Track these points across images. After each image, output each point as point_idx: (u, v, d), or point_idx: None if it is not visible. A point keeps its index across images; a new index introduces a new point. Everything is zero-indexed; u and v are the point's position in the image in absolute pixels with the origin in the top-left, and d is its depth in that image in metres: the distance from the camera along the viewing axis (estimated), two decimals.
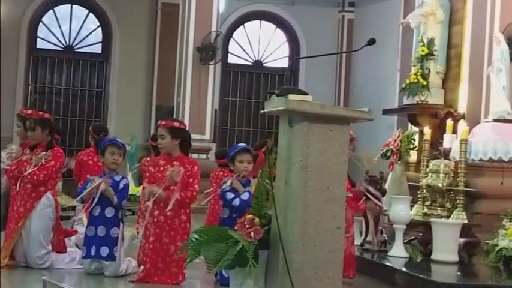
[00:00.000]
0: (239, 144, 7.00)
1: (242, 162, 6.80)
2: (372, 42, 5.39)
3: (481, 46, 10.32)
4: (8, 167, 7.36)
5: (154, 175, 6.90)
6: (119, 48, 17.05)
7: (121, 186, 7.10)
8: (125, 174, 10.23)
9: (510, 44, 9.71)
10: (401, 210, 8.66)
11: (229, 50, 17.97)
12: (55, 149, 7.33)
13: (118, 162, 7.24)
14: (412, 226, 8.94)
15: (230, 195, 6.71)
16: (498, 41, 9.42)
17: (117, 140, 7.35)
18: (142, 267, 6.83)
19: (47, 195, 7.26)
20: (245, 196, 6.65)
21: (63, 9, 17.30)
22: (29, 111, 7.55)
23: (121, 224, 7.06)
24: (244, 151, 6.84)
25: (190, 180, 6.89)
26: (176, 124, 7.05)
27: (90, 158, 9.26)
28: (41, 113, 7.45)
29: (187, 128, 7.30)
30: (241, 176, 6.80)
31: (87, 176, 7.40)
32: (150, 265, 6.73)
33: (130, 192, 13.20)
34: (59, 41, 17.28)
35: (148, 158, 8.52)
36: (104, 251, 6.93)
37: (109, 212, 7.02)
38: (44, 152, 7.26)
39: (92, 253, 6.96)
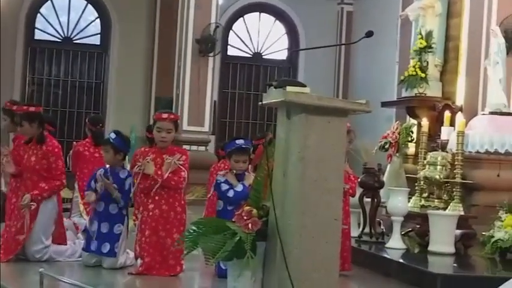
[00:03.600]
0: (237, 141, 6.92)
1: (238, 162, 6.80)
2: (369, 34, 5.42)
3: (479, 39, 10.36)
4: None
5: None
6: (118, 40, 17.02)
7: (127, 186, 7.08)
8: (125, 166, 10.23)
9: (507, 37, 9.75)
10: (399, 202, 8.71)
11: (229, 42, 17.95)
12: (49, 142, 7.22)
13: (106, 159, 7.26)
14: (409, 218, 8.99)
15: (224, 187, 6.74)
16: (495, 34, 9.45)
17: (109, 135, 7.30)
18: (139, 260, 6.84)
19: None
20: (239, 188, 6.68)
21: (61, 0, 17.25)
22: (15, 107, 7.48)
23: (126, 219, 7.06)
24: (241, 151, 6.82)
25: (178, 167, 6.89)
26: (178, 118, 7.08)
27: (86, 148, 9.29)
28: (25, 107, 7.35)
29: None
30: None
31: (98, 173, 7.33)
32: (150, 259, 6.75)
33: None
34: (57, 32, 17.23)
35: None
36: (106, 247, 6.95)
37: (113, 209, 7.03)
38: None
39: (92, 248, 6.98)
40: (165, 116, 6.96)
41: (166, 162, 6.79)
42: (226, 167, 9.16)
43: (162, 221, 6.81)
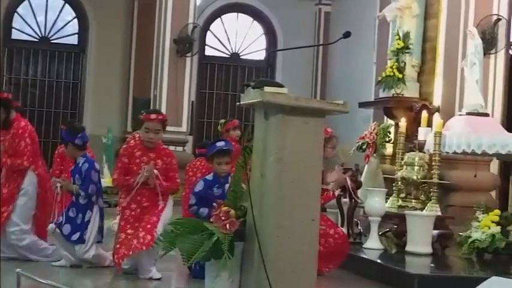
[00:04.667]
0: (217, 144, 6.84)
1: (220, 164, 6.75)
2: (347, 35, 5.42)
3: (456, 40, 10.41)
4: None
5: (127, 166, 6.88)
6: (96, 40, 16.96)
7: (83, 173, 7.09)
8: (101, 166, 10.23)
9: (484, 38, 9.82)
10: (376, 202, 8.72)
11: (207, 43, 17.94)
12: (14, 125, 7.22)
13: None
14: (387, 218, 9.01)
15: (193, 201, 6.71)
16: (472, 35, 9.50)
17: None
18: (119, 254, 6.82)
19: (28, 173, 7.25)
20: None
21: (38, 0, 17.17)
22: None
23: (95, 207, 7.04)
24: (222, 153, 6.78)
25: (171, 174, 6.92)
26: (166, 117, 7.08)
27: None
28: None
29: None
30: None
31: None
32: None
33: (106, 185, 13.23)
34: (35, 32, 17.15)
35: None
36: (75, 236, 6.96)
37: (82, 199, 7.05)
38: None
39: (64, 232, 6.98)
40: (153, 116, 6.93)
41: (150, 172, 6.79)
42: (202, 165, 9.12)
43: (142, 217, 6.82)
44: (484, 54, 9.64)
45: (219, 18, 18.14)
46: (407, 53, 11.13)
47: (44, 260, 7.27)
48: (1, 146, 7.21)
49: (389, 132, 10.91)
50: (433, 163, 8.90)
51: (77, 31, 17.33)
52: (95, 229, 7.03)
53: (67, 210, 7.11)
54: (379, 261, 8.03)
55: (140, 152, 6.90)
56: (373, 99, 12.27)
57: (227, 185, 6.73)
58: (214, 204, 6.48)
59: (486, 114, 9.40)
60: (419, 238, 8.38)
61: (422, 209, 8.96)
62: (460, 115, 9.53)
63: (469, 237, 8.14)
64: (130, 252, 6.63)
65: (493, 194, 10.29)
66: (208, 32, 17.97)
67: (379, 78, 11.39)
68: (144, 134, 6.88)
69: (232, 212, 5.08)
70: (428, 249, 8.37)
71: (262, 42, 18.41)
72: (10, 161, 7.18)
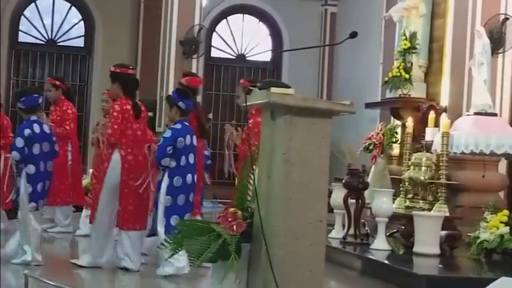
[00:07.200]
0: None
1: None
2: (353, 35, 5.39)
3: (463, 40, 10.36)
4: None
5: None
6: (102, 42, 16.97)
7: None
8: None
9: (491, 38, 9.77)
10: (383, 203, 8.70)
11: (212, 44, 17.94)
12: None
13: None
14: (394, 219, 8.99)
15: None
16: (480, 34, 9.45)
17: None
18: None
19: None
20: None
21: (45, 3, 17.19)
22: None
23: (23, 173, 7.06)
24: None
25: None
26: (112, 68, 7.34)
27: None
28: None
29: (130, 72, 7.65)
30: None
31: None
32: None
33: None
34: (41, 34, 17.19)
35: None
36: None
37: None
38: None
39: None
40: None
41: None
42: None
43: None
44: (492, 53, 9.60)
45: (224, 20, 18.13)
46: (414, 53, 11.08)
47: None
48: None
49: (396, 133, 10.87)
50: (441, 163, 8.87)
51: (83, 33, 17.36)
52: (22, 195, 7.01)
53: None
54: (386, 262, 8.01)
55: None
56: (379, 100, 12.23)
57: None
58: None
59: (494, 114, 9.36)
60: (427, 239, 8.35)
61: (429, 210, 8.94)
62: (468, 115, 9.49)
63: (478, 237, 8.11)
64: None
65: (502, 194, 10.23)
66: (214, 33, 17.96)
67: (386, 79, 11.35)
68: None
69: (239, 213, 5.06)
70: (436, 250, 8.34)
71: (268, 43, 18.40)
72: None
